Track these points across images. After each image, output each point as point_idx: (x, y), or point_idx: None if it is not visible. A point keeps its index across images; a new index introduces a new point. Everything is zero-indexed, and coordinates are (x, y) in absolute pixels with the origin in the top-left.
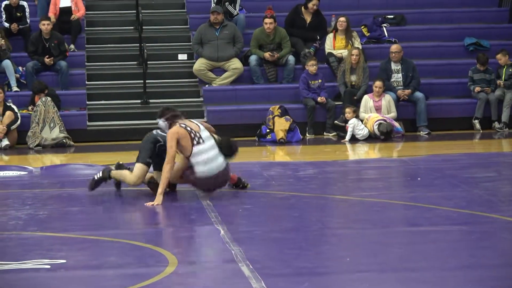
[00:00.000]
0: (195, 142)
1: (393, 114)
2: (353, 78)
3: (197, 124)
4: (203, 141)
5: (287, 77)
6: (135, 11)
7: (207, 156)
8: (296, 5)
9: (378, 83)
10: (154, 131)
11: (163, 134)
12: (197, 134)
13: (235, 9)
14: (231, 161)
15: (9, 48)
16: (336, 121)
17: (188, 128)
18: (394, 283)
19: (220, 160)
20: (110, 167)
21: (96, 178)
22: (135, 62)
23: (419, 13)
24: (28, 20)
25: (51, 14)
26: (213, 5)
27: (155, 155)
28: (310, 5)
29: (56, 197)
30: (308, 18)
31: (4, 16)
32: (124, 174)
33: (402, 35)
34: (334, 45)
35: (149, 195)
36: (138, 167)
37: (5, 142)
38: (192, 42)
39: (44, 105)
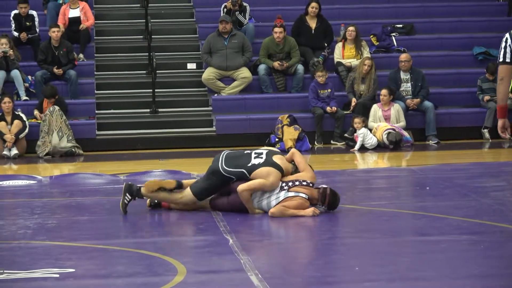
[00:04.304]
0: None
1: (402, 123)
2: (363, 87)
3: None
4: None
5: (296, 86)
6: (144, 20)
7: None
8: (300, 14)
9: (383, 91)
10: (220, 166)
11: (235, 170)
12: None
13: (245, 18)
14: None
15: (18, 57)
16: (346, 135)
17: None
18: None
19: None
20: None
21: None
22: (144, 71)
23: (428, 22)
24: (38, 30)
25: (60, 24)
26: (222, 14)
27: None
28: (309, 9)
29: (65, 206)
30: (313, 25)
31: (13, 25)
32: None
33: (411, 45)
34: (343, 54)
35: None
36: (189, 196)
37: (14, 151)
38: (201, 51)
39: (52, 115)
